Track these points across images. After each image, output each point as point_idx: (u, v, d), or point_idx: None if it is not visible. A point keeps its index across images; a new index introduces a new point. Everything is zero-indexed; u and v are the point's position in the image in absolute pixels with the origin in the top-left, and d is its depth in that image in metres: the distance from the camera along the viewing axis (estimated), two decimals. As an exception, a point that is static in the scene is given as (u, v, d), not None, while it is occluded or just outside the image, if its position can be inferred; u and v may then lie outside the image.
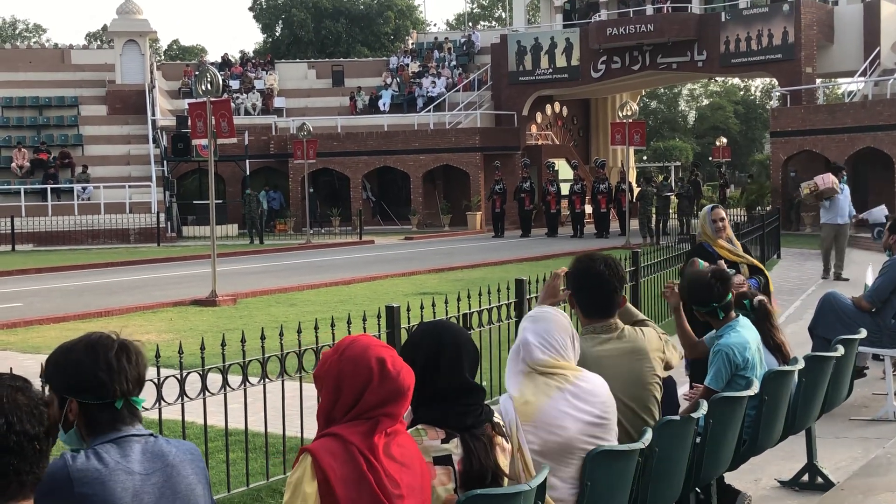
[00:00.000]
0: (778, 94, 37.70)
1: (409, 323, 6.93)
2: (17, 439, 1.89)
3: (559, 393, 3.59)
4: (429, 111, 40.29)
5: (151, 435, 2.70)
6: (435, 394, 3.15)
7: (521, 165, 35.38)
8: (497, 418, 3.26)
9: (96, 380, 2.63)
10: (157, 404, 5.34)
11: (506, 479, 3.20)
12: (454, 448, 3.09)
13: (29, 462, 1.89)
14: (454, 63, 44.23)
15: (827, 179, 16.11)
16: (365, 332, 6.56)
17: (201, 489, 2.70)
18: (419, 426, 3.13)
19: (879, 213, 22.98)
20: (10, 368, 5.44)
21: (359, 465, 2.65)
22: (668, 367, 4.48)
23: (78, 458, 2.53)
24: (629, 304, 4.75)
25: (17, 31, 78.65)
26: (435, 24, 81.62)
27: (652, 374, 4.31)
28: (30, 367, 9.40)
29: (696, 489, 4.76)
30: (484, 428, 3.15)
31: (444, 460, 3.07)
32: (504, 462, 3.21)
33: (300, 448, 2.75)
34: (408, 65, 44.75)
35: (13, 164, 35.52)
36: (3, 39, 68.98)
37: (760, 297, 6.15)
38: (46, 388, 2.72)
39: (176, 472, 2.64)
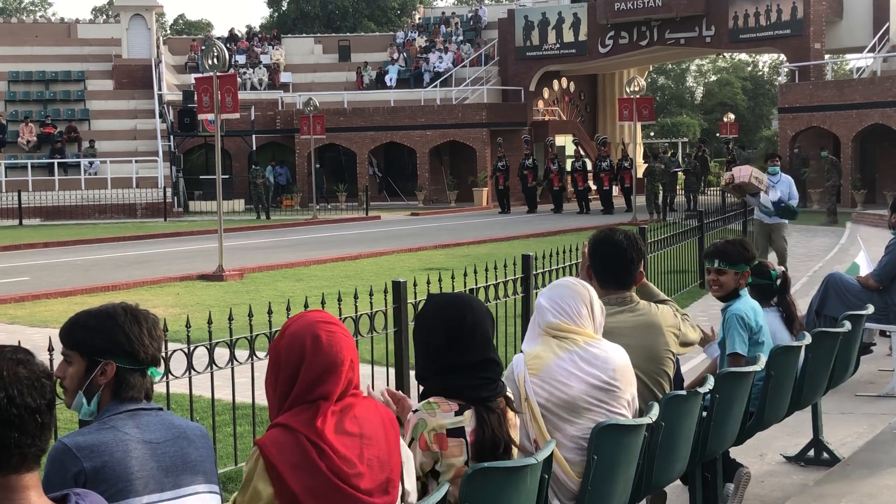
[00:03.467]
0: (786, 69, 37.57)
1: (415, 298, 6.94)
2: (18, 412, 1.90)
3: (567, 354, 3.68)
4: (435, 87, 40.16)
5: (160, 409, 2.73)
6: (453, 366, 3.16)
7: (523, 141, 35.18)
8: (509, 393, 3.28)
9: (140, 344, 2.69)
10: (165, 378, 5.35)
11: (516, 452, 3.22)
12: (467, 420, 3.10)
13: (31, 435, 1.90)
14: (461, 38, 44.05)
15: (743, 172, 13.41)
16: (372, 307, 6.58)
17: (210, 464, 2.73)
18: (431, 399, 3.14)
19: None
20: (19, 341, 5.47)
21: (308, 454, 2.61)
22: (685, 344, 4.49)
23: (80, 435, 2.55)
24: (649, 283, 4.77)
25: (21, 5, 78.44)
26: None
27: (665, 349, 4.32)
28: (38, 340, 9.46)
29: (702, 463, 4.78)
30: (498, 401, 3.17)
31: (456, 433, 3.09)
32: (516, 435, 3.24)
33: (254, 441, 2.73)
34: (414, 40, 44.56)
35: (20, 139, 35.53)
36: (8, 13, 68.81)
37: (782, 268, 6.18)
38: (67, 354, 2.73)
39: (188, 442, 2.67)
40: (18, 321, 12.27)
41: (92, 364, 2.67)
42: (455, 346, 3.17)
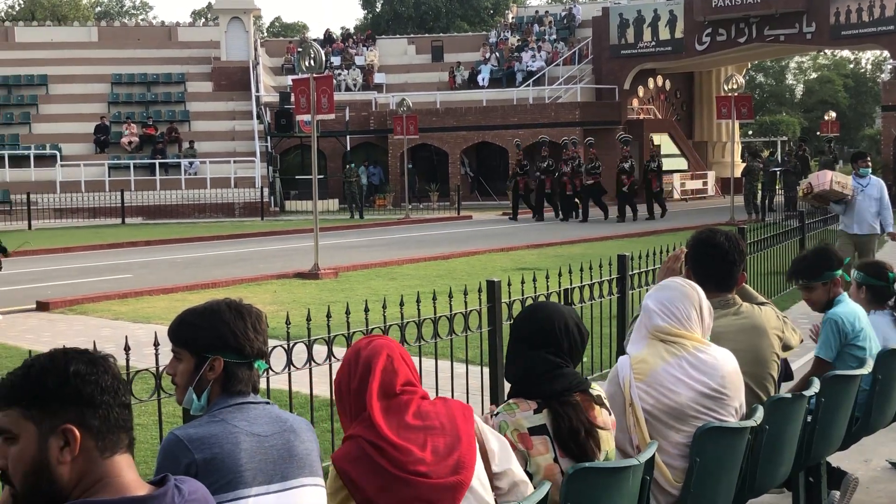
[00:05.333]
0: (890, 66, 36.40)
1: (509, 297, 6.94)
2: (128, 399, 2.10)
3: (675, 359, 3.60)
4: (528, 86, 40.05)
5: (267, 402, 2.79)
6: (527, 367, 3.22)
7: (620, 142, 31.67)
8: (597, 390, 3.27)
9: (245, 338, 2.75)
10: (266, 373, 5.45)
11: (603, 441, 3.20)
12: (546, 417, 3.13)
13: (131, 419, 2.09)
14: (554, 37, 43.85)
15: (822, 178, 11.91)
16: (466, 306, 6.60)
17: (315, 457, 2.77)
18: (511, 400, 3.21)
19: None
20: (126, 337, 5.63)
21: (371, 456, 2.71)
22: (786, 347, 4.39)
23: (191, 427, 2.62)
24: (748, 287, 4.67)
25: (124, 9, 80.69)
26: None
27: (771, 351, 4.23)
28: (140, 336, 9.71)
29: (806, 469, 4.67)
30: (573, 395, 3.18)
31: (539, 430, 3.12)
32: (606, 434, 3.21)
33: (331, 455, 2.87)
34: (507, 39, 44.52)
35: (123, 140, 36.56)
36: (111, 17, 70.88)
37: None
38: (176, 352, 2.81)
39: (295, 436, 2.71)
40: (122, 317, 12.61)
41: (200, 360, 2.74)
42: (531, 347, 3.24)
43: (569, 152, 30.46)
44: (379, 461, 2.69)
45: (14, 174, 33.95)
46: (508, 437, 3.08)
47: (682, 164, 41.24)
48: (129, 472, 1.99)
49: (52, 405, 1.95)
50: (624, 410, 3.50)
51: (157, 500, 1.97)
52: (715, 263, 4.28)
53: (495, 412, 3.19)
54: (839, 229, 12.35)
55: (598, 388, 3.31)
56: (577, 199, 29.79)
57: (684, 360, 3.60)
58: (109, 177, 34.30)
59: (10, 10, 71.12)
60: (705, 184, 41.22)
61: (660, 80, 42.07)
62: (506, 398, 3.30)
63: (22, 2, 71.15)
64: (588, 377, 3.40)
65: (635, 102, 40.67)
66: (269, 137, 36.43)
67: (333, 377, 6.00)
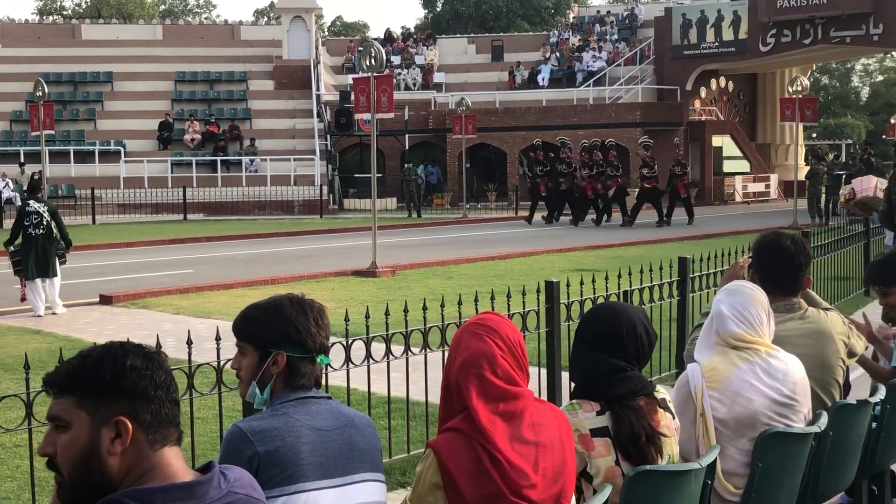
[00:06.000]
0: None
1: (568, 298, 6.91)
2: (177, 395, 2.08)
3: (748, 365, 3.54)
4: (588, 86, 39.84)
5: (329, 397, 2.81)
6: (591, 369, 3.18)
7: (641, 147, 29.48)
8: (661, 394, 3.23)
9: (308, 333, 2.78)
10: (325, 370, 5.49)
11: (666, 443, 3.16)
12: (609, 420, 3.10)
13: (179, 413, 2.09)
14: (616, 37, 43.58)
15: (867, 184, 11.18)
16: (524, 306, 6.59)
17: (376, 453, 2.79)
18: (574, 401, 3.17)
19: None
20: (189, 332, 5.71)
21: (481, 461, 2.60)
22: (851, 354, 4.31)
23: (255, 420, 2.65)
24: (812, 292, 4.60)
25: (188, 7, 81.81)
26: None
27: (837, 357, 4.16)
28: (202, 330, 9.84)
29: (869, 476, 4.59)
30: (637, 399, 3.14)
31: (601, 432, 3.08)
32: (669, 440, 3.18)
33: (427, 443, 2.76)
34: (568, 39, 44.33)
35: (185, 137, 37.08)
36: (175, 16, 71.92)
37: None
38: (240, 346, 2.84)
39: (357, 431, 2.73)
40: (183, 312, 12.78)
41: (264, 355, 2.76)
42: (594, 348, 3.19)
43: (564, 153, 29.08)
44: (491, 472, 2.59)
45: (79, 170, 34.61)
46: None
47: (744, 166, 40.76)
48: (177, 462, 2.02)
49: (107, 396, 1.97)
50: (694, 420, 3.43)
51: (203, 486, 1.99)
52: (781, 267, 4.20)
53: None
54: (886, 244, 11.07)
55: (662, 392, 3.27)
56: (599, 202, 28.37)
57: (757, 365, 3.54)
58: (172, 173, 34.83)
59: (77, 7, 72.53)
60: (767, 186, 40.70)
61: (722, 81, 41.60)
62: (569, 398, 3.28)
63: (89, 0, 72.52)
64: (649, 379, 3.34)
65: (697, 104, 40.26)
66: (328, 136, 36.70)
67: (391, 375, 6.07)
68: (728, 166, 40.22)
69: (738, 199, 39.25)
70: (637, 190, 28.69)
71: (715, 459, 3.24)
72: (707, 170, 39.36)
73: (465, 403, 2.67)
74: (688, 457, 3.41)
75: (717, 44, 38.85)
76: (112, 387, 1.97)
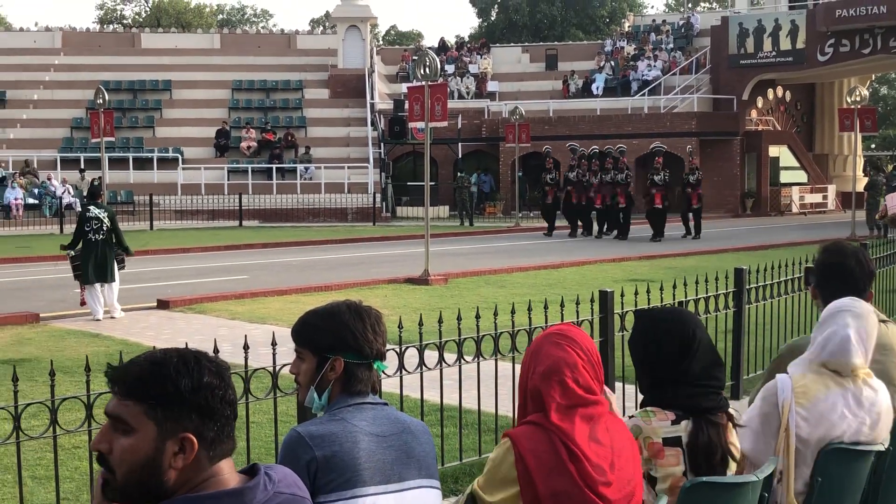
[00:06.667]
0: None
1: (622, 309, 6.87)
2: (235, 407, 2.07)
3: (841, 390, 3.44)
4: (643, 95, 39.61)
5: (385, 403, 2.82)
6: (678, 377, 3.13)
7: (654, 153, 28.17)
8: (734, 410, 3.20)
9: (365, 339, 2.80)
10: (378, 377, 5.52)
11: (734, 466, 3.13)
12: (683, 430, 3.06)
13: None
14: (671, 46, 43.28)
15: (893, 201, 10.37)
16: (578, 315, 6.56)
17: (432, 459, 2.80)
18: (648, 408, 3.13)
19: None
20: (245, 337, 5.77)
21: (559, 455, 2.63)
22: None
23: (312, 425, 2.67)
24: (871, 305, 4.52)
25: (245, 17, 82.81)
26: (652, 7, 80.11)
27: None
28: (257, 336, 9.92)
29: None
30: (720, 415, 3.11)
31: (673, 442, 3.05)
32: (736, 453, 3.15)
33: (504, 432, 2.76)
34: (623, 48, 44.12)
35: (242, 144, 37.51)
36: (233, 25, 72.81)
37: None
38: (299, 352, 2.87)
39: (413, 437, 2.75)
40: (238, 317, 12.91)
41: (322, 360, 2.79)
42: (686, 356, 3.13)
43: (573, 160, 28.21)
44: (568, 465, 2.62)
45: (138, 176, 35.16)
46: (639, 441, 3.04)
47: (801, 177, 40.25)
48: (228, 470, 2.03)
49: (179, 410, 1.95)
50: (776, 433, 3.36)
51: (252, 491, 2.00)
52: (846, 281, 4.08)
53: (630, 415, 3.15)
54: None
55: (733, 408, 3.24)
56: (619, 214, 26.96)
57: (849, 392, 3.44)
58: (228, 180, 35.25)
59: (136, 16, 73.75)
60: (825, 197, 40.15)
61: (780, 90, 41.12)
62: (636, 407, 3.25)
63: (148, 9, 73.69)
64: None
65: (754, 113, 39.83)
66: (382, 144, 36.90)
67: (443, 382, 6.08)
68: (785, 177, 39.75)
69: (794, 209, 38.75)
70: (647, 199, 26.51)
71: (772, 472, 3.20)
72: (763, 180, 38.92)
73: (542, 409, 2.71)
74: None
75: (774, 53, 38.43)
76: (186, 402, 1.96)
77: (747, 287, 7.83)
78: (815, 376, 3.47)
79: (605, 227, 27.59)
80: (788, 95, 41.84)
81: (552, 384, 2.70)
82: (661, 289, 7.58)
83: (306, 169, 36.10)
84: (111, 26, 64.76)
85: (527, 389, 2.77)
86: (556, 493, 2.60)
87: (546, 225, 28.45)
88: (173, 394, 1.95)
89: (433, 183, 33.61)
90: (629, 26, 48.53)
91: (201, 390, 1.97)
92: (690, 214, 26.86)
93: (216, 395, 1.99)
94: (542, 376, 2.73)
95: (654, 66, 41.66)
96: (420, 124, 18.69)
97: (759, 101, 40.07)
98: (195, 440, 1.95)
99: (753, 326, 8.34)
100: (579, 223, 28.00)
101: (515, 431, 2.70)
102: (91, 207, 13.51)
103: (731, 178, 38.26)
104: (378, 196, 34.08)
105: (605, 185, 26.97)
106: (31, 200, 32.55)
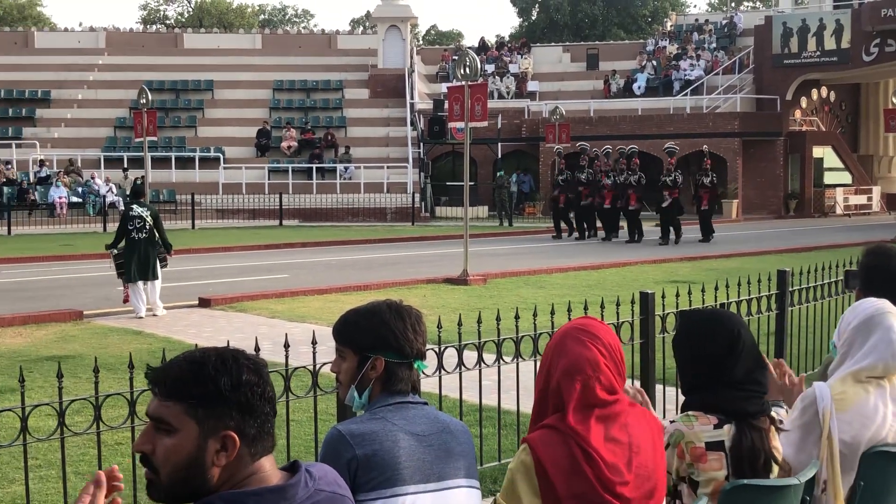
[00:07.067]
0: None
1: (663, 310, 6.84)
2: (274, 405, 2.09)
3: (879, 390, 3.44)
4: (685, 95, 39.33)
5: (425, 403, 2.83)
6: (721, 379, 3.11)
7: (665, 153, 27.30)
8: (776, 414, 3.17)
9: (405, 339, 2.81)
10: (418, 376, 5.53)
11: (776, 470, 3.11)
12: (726, 434, 3.04)
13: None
14: (714, 45, 42.94)
15: None
16: (618, 317, 6.54)
17: (471, 459, 2.81)
18: (690, 413, 3.11)
19: None
20: (286, 335, 5.81)
21: (575, 458, 2.62)
22: None
23: (353, 423, 2.69)
24: None
25: (286, 17, 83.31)
26: (695, 6, 79.48)
27: None
28: (297, 334, 10.00)
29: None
30: (762, 419, 3.09)
31: (716, 446, 3.03)
32: (779, 457, 3.13)
33: (522, 438, 2.75)
34: (665, 47, 43.84)
35: (282, 144, 37.75)
36: (274, 25, 73.26)
37: None
38: (340, 350, 2.88)
39: (452, 437, 2.75)
40: (278, 316, 13.00)
41: (363, 359, 2.80)
42: (728, 360, 3.11)
43: (583, 160, 27.65)
44: (585, 468, 2.62)
45: (180, 175, 35.51)
46: (681, 445, 3.02)
47: (845, 178, 39.79)
48: (270, 467, 2.04)
49: (219, 409, 1.98)
50: (818, 441, 3.33)
51: (293, 487, 2.02)
52: (889, 281, 4.05)
53: (672, 420, 3.14)
54: None
55: (776, 412, 3.22)
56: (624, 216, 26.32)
57: (886, 390, 3.44)
58: (269, 180, 35.49)
59: (179, 17, 74.47)
60: (870, 199, 39.67)
61: (824, 91, 40.68)
62: (678, 410, 3.23)
63: (191, 9, 74.38)
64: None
65: (798, 114, 39.43)
66: (421, 144, 36.96)
67: (482, 383, 6.08)
68: (829, 178, 39.31)
69: (838, 211, 38.33)
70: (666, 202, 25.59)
71: (814, 476, 3.18)
72: (807, 181, 38.52)
73: (562, 405, 2.70)
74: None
75: (818, 53, 38.01)
76: (226, 400, 1.98)
77: (790, 289, 7.75)
78: (853, 382, 3.44)
79: (600, 227, 26.89)
80: (833, 96, 41.38)
81: (574, 383, 2.69)
82: (703, 290, 7.53)
83: (346, 169, 36.25)
84: (154, 26, 65.46)
85: (548, 386, 2.75)
86: (575, 495, 2.61)
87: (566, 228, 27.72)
88: (213, 392, 1.97)
89: (472, 183, 33.58)
90: (671, 26, 48.22)
91: (241, 388, 1.99)
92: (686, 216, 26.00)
93: (255, 393, 2.01)
94: (565, 373, 2.71)
95: (697, 65, 41.36)
96: (460, 124, 18.70)
97: (803, 102, 39.66)
98: (237, 437, 1.98)
99: (796, 329, 8.27)
100: (584, 225, 27.47)
101: (533, 437, 2.70)
102: (134, 206, 13.66)
103: (774, 179, 37.93)
104: (417, 196, 34.14)
105: (617, 186, 26.33)
106: (74, 199, 32.99)
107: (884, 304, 3.61)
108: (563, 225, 27.78)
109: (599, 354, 2.72)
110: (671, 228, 25.18)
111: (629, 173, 26.35)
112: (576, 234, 27.40)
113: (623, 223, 26.64)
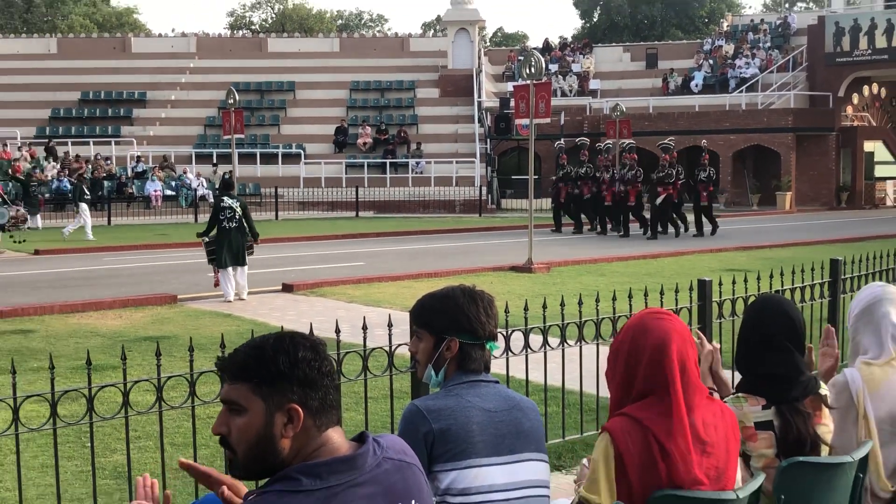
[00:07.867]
0: None
1: (720, 297, 6.75)
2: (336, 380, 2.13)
3: None
4: (741, 92, 38.68)
5: (496, 381, 2.85)
6: (765, 365, 3.08)
7: (661, 150, 26.02)
8: (823, 390, 3.12)
9: (478, 321, 2.84)
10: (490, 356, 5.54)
11: (825, 448, 3.06)
12: (773, 415, 3.01)
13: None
14: (769, 44, 42.14)
15: None
16: (677, 303, 6.47)
17: (540, 434, 2.82)
18: (740, 394, 3.08)
19: None
20: (364, 318, 5.87)
21: (652, 452, 2.55)
22: None
23: (430, 399, 2.71)
24: None
25: (362, 21, 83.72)
26: (750, 7, 78.08)
27: None
28: (373, 318, 10.05)
29: None
30: (804, 402, 3.04)
31: (765, 426, 3.00)
32: (827, 435, 3.08)
33: (602, 426, 2.69)
34: (721, 46, 43.15)
35: (359, 141, 38.00)
36: (351, 29, 73.68)
37: None
38: (417, 332, 2.91)
39: (523, 414, 2.77)
40: (355, 300, 13.10)
41: (439, 340, 2.84)
42: (771, 345, 3.08)
43: (583, 155, 26.75)
44: (659, 464, 2.55)
45: (264, 170, 35.96)
46: None
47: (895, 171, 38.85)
48: (339, 438, 2.08)
49: (281, 385, 2.02)
50: (856, 421, 3.30)
51: (362, 457, 2.05)
52: None
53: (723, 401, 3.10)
54: None
55: (824, 388, 3.17)
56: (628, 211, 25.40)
57: None
58: (346, 174, 35.78)
59: (263, 22, 75.26)
60: (920, 192, 38.66)
61: (875, 87, 39.69)
62: (735, 388, 3.18)
63: (274, 15, 75.11)
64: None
65: (849, 110, 38.54)
66: (488, 140, 36.91)
67: (547, 364, 6.07)
68: (879, 171, 38.40)
69: (889, 203, 37.44)
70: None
71: (867, 454, 3.12)
72: (858, 174, 37.66)
73: (652, 385, 2.59)
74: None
75: (870, 51, 37.07)
76: (286, 376, 2.02)
77: (842, 277, 7.60)
78: (880, 362, 3.41)
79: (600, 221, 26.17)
80: (884, 92, 40.37)
81: (671, 354, 2.59)
82: (759, 278, 7.42)
83: (417, 163, 36.37)
84: (241, 32, 66.28)
85: (634, 371, 2.64)
86: (648, 487, 2.57)
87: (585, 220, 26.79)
88: (274, 371, 2.03)
89: (536, 177, 33.45)
90: (728, 26, 47.40)
91: (299, 364, 2.03)
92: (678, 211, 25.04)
93: (313, 367, 2.05)
94: (656, 349, 2.60)
95: (752, 63, 40.63)
96: (525, 121, 18.63)
97: (855, 98, 38.75)
98: (300, 409, 2.02)
99: (847, 315, 8.09)
100: (584, 219, 26.75)
101: (612, 426, 2.62)
102: (225, 198, 13.87)
103: (826, 172, 37.14)
104: (484, 189, 34.12)
105: (615, 181, 25.35)
106: (168, 192, 33.62)
107: (882, 289, 3.55)
108: (564, 219, 26.98)
109: (681, 328, 2.66)
110: (666, 224, 24.35)
111: (627, 169, 25.33)
112: (587, 227, 26.57)
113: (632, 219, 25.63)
